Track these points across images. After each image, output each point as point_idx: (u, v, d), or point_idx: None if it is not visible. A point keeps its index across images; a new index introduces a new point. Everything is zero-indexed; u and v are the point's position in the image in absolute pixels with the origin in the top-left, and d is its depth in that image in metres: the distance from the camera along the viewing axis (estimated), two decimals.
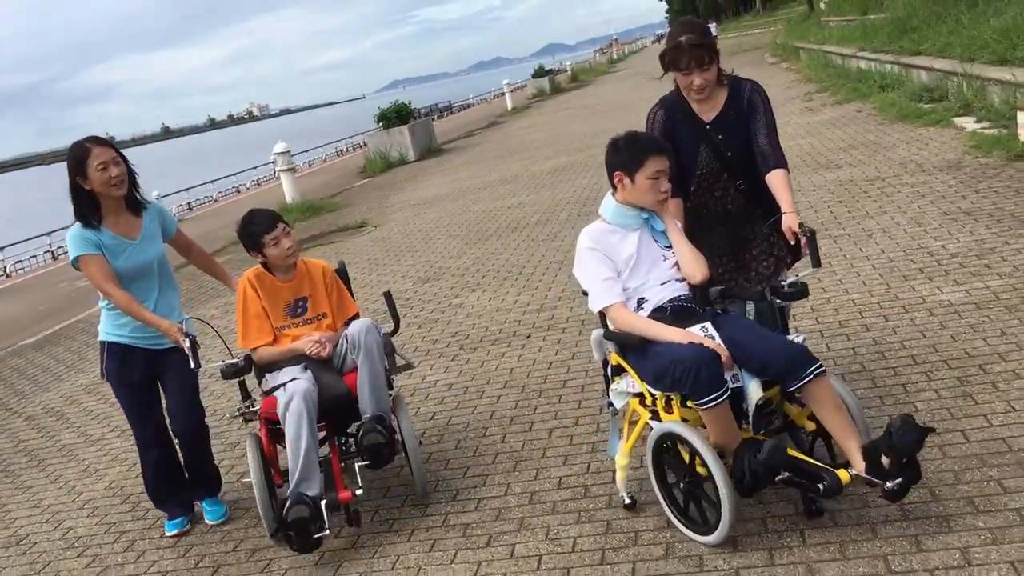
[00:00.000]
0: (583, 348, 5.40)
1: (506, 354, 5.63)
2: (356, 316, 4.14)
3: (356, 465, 3.82)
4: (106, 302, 3.97)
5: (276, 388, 3.78)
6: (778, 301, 3.40)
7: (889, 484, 2.82)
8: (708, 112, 3.69)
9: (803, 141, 11.15)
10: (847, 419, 3.04)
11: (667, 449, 3.21)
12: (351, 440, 4.05)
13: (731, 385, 3.02)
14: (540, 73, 40.17)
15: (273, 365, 3.92)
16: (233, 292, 4.18)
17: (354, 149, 37.16)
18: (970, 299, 4.85)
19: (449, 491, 3.97)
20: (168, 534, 4.16)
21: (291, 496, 3.51)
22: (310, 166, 32.64)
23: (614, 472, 3.55)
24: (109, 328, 4.02)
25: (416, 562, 3.46)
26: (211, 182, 32.37)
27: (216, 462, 4.38)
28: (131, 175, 3.90)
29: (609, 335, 3.42)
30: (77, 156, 3.76)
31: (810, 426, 3.23)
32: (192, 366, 3.71)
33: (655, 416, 3.29)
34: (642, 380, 3.29)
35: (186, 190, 30.96)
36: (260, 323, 3.97)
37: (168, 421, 4.13)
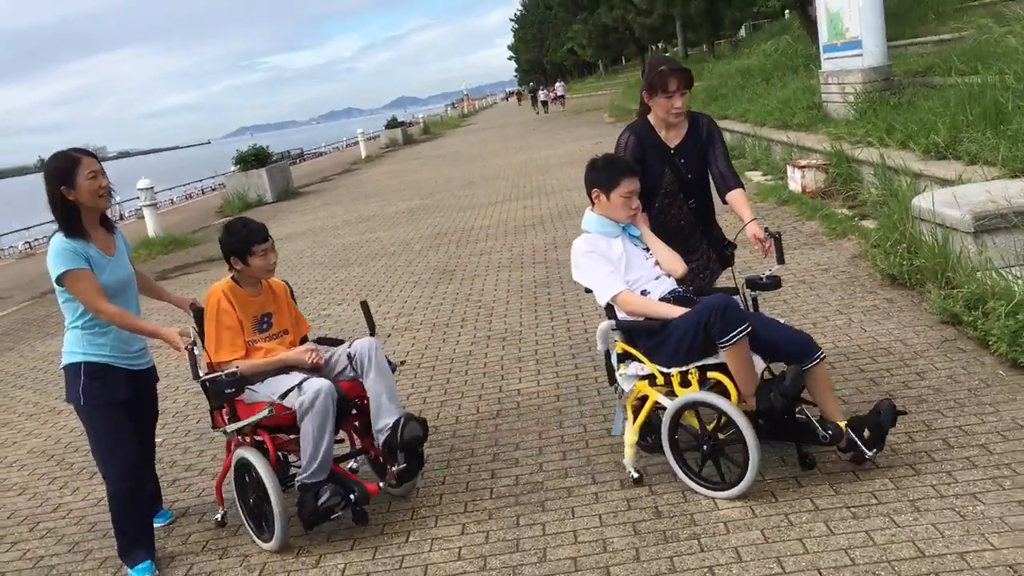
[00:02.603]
0: (434, 341, 6.63)
1: None
2: (306, 335, 4.27)
3: (390, 482, 3.90)
4: (82, 321, 3.74)
5: (285, 393, 3.78)
6: (750, 292, 3.92)
7: (869, 454, 3.49)
8: (673, 139, 4.19)
9: None
10: (835, 399, 3.73)
11: (682, 420, 3.66)
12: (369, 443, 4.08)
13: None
14: (393, 124, 41.53)
15: (254, 376, 3.89)
16: (176, 308, 4.30)
17: (203, 193, 37.32)
18: None
19: None
20: None
21: (318, 482, 3.66)
22: (157, 208, 32.51)
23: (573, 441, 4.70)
24: (86, 348, 3.75)
25: None
26: (51, 221, 31.81)
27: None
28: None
29: (621, 324, 3.79)
30: (64, 166, 3.64)
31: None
32: (192, 376, 3.74)
33: (670, 394, 3.68)
34: (652, 362, 3.71)
35: (27, 228, 30.36)
36: (233, 336, 3.92)
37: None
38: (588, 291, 3.91)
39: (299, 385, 3.74)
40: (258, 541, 3.90)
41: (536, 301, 7.36)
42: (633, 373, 3.80)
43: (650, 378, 3.74)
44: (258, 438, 3.91)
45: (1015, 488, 3.35)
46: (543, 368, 5.65)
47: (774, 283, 3.83)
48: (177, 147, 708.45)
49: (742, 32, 44.99)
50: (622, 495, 3.80)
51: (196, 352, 3.69)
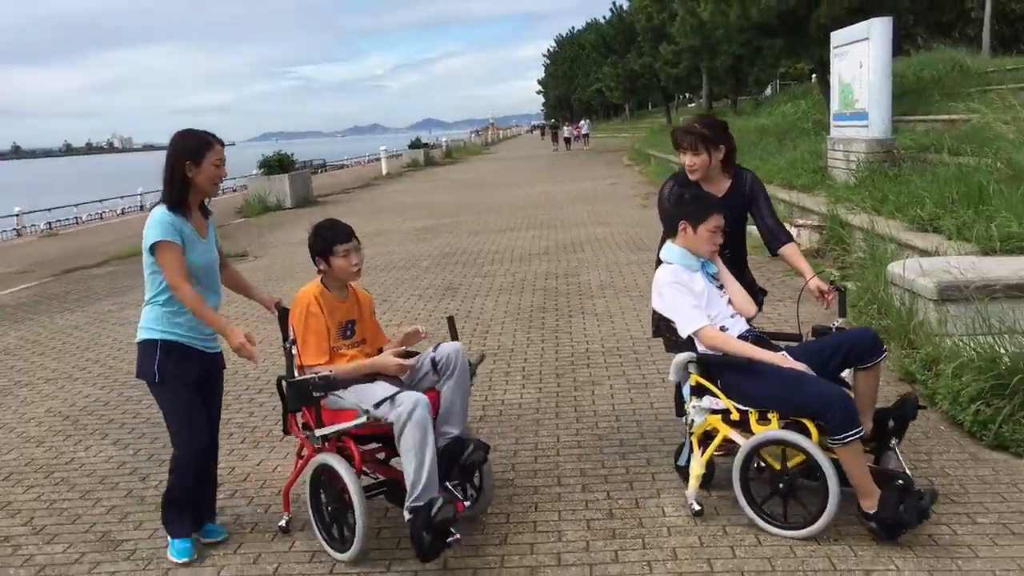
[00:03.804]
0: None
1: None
2: (382, 348, 4.17)
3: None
4: (162, 298, 3.77)
5: (382, 402, 3.67)
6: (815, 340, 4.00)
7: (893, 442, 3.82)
8: (715, 192, 4.31)
9: (631, 229, 13.37)
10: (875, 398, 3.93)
11: (755, 457, 3.72)
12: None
13: None
14: (416, 145, 42.10)
15: (341, 382, 3.79)
16: (260, 306, 4.26)
17: (223, 192, 37.98)
18: None
19: None
20: (178, 560, 3.85)
21: (429, 498, 3.48)
22: None
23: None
24: (163, 326, 3.78)
25: None
26: (75, 205, 32.67)
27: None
28: None
29: (703, 358, 3.83)
30: (198, 145, 3.74)
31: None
32: (286, 374, 3.82)
33: (743, 431, 3.74)
34: (729, 398, 3.77)
35: (48, 210, 31.09)
36: (319, 341, 3.87)
37: None
38: (665, 319, 4.00)
39: (392, 398, 3.67)
40: (331, 551, 3.80)
41: (531, 324, 7.81)
42: (707, 406, 3.84)
43: (723, 413, 3.81)
44: (341, 445, 3.85)
45: (930, 524, 3.74)
46: (528, 383, 6.09)
47: None
48: None
49: (768, 91, 45.79)
50: (582, 497, 4.23)
51: (293, 351, 3.78)
